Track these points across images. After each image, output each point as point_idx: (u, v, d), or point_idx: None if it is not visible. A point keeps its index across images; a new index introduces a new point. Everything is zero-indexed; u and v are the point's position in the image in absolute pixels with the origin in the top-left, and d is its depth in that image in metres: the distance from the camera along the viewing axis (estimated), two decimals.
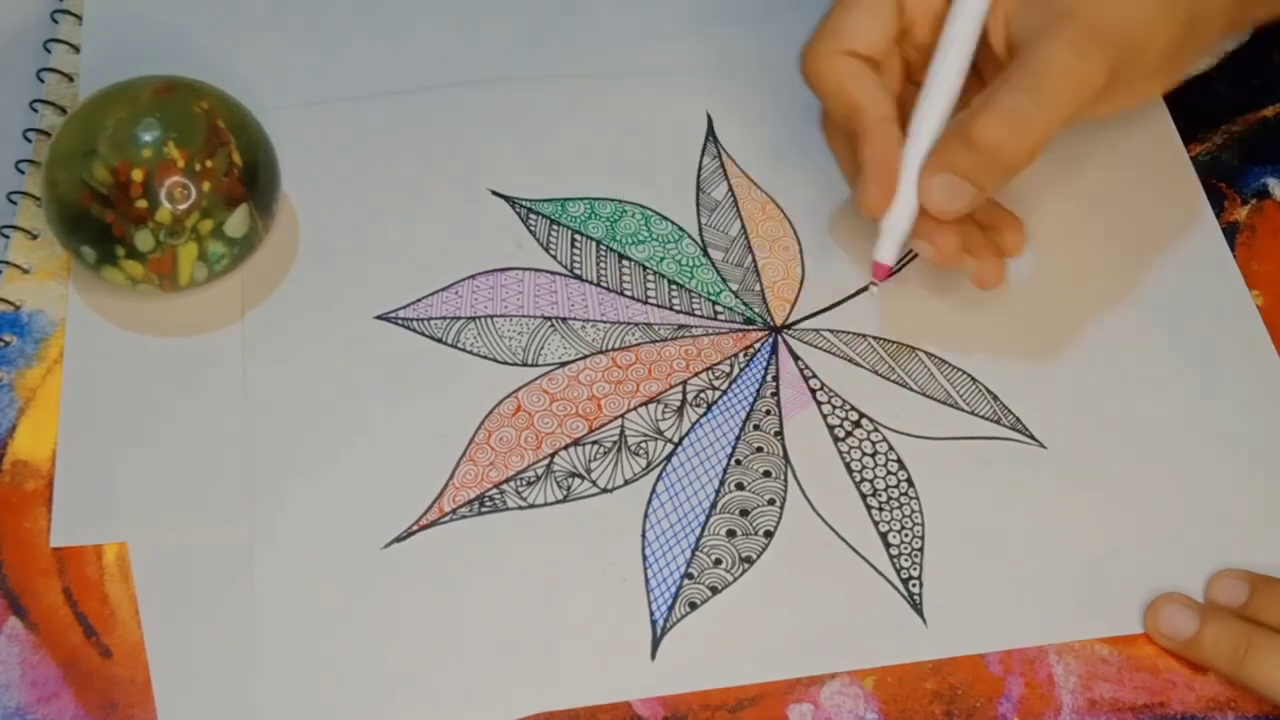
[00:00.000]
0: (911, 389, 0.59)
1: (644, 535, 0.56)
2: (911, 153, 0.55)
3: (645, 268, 0.62)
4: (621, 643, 0.53)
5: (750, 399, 0.59)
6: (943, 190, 0.54)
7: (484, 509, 0.56)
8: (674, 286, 0.62)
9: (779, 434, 0.58)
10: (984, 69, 0.56)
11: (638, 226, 0.63)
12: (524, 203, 0.64)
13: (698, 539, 0.56)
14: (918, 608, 0.54)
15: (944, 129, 0.55)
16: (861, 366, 0.60)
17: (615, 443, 0.58)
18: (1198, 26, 0.55)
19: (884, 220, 0.56)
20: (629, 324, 0.61)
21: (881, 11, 0.54)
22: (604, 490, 0.56)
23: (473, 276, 0.61)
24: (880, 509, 0.56)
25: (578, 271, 0.62)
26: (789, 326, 0.60)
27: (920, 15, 0.54)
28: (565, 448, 0.57)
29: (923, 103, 0.55)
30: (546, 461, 0.57)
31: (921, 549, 0.56)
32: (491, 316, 0.61)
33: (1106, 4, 0.52)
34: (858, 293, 0.59)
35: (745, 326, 0.61)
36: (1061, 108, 0.52)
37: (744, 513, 0.56)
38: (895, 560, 0.55)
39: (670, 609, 0.54)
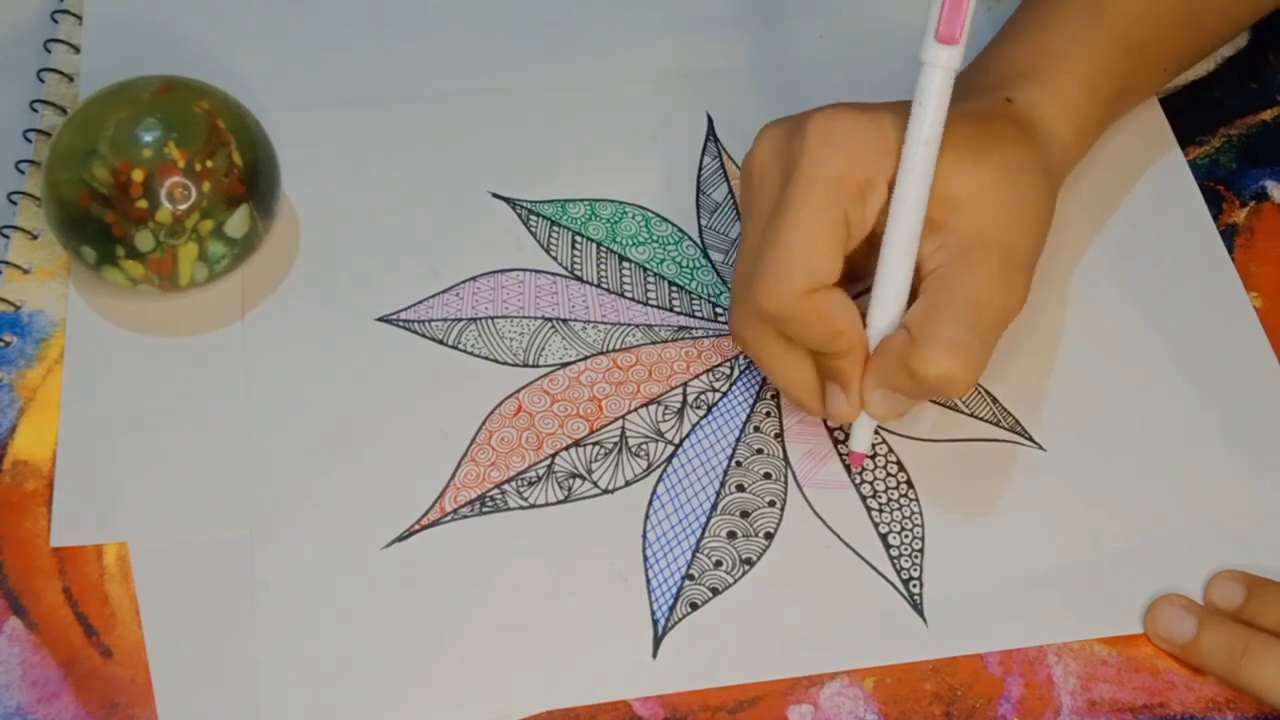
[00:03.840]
0: None
1: (645, 537, 0.56)
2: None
3: (646, 269, 0.62)
4: (622, 642, 0.53)
5: (750, 401, 0.59)
6: (883, 403, 0.54)
7: (485, 509, 0.56)
8: (674, 288, 0.62)
9: (779, 436, 0.58)
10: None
11: (638, 228, 0.63)
12: (524, 204, 0.64)
13: (698, 540, 0.56)
14: (918, 608, 0.54)
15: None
16: None
17: (616, 444, 0.58)
18: (1058, 189, 0.57)
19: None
20: (630, 325, 0.61)
21: (836, 241, 0.52)
22: (605, 491, 0.56)
23: (474, 278, 0.61)
24: (880, 510, 0.56)
25: (578, 273, 0.62)
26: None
27: (857, 221, 0.53)
28: (566, 448, 0.57)
29: (871, 322, 0.54)
30: (548, 462, 0.57)
31: (921, 550, 0.56)
32: (492, 318, 0.61)
33: (1011, 227, 0.53)
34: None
35: None
36: (996, 334, 0.53)
37: (744, 514, 0.56)
38: (895, 561, 0.55)
39: (671, 610, 0.54)
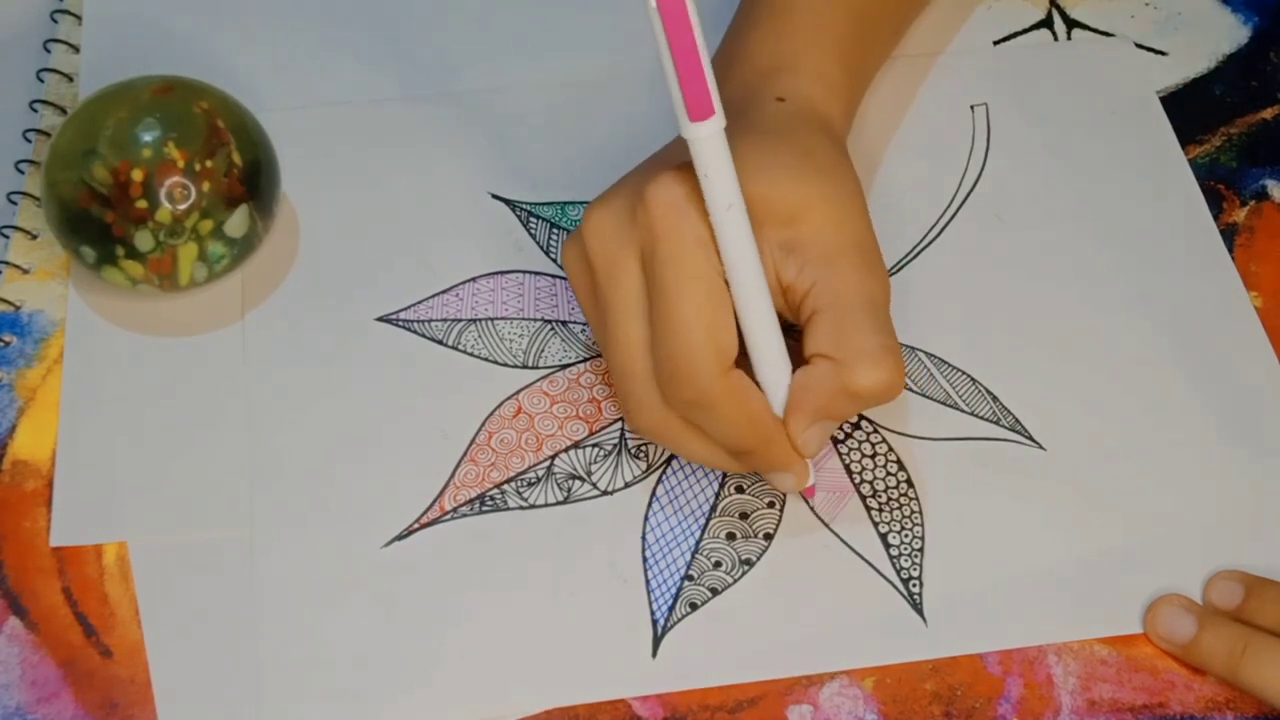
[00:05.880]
0: (911, 389, 0.59)
1: (644, 538, 0.56)
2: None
3: None
4: (622, 642, 0.53)
5: None
6: (820, 436, 0.52)
7: (485, 508, 0.56)
8: None
9: None
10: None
11: None
12: (524, 206, 0.64)
13: (697, 542, 0.56)
14: (918, 608, 0.54)
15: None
16: None
17: (615, 445, 0.58)
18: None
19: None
20: None
21: (729, 308, 0.51)
22: (604, 493, 0.56)
23: (473, 279, 0.62)
24: (880, 510, 0.56)
25: None
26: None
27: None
28: (566, 450, 0.58)
29: (765, 381, 0.52)
30: (547, 463, 0.57)
31: (921, 549, 0.56)
32: (492, 319, 0.61)
33: (850, 218, 0.52)
34: None
35: None
36: (891, 321, 0.52)
37: (743, 515, 0.56)
38: (895, 561, 0.55)
39: (671, 610, 0.54)
